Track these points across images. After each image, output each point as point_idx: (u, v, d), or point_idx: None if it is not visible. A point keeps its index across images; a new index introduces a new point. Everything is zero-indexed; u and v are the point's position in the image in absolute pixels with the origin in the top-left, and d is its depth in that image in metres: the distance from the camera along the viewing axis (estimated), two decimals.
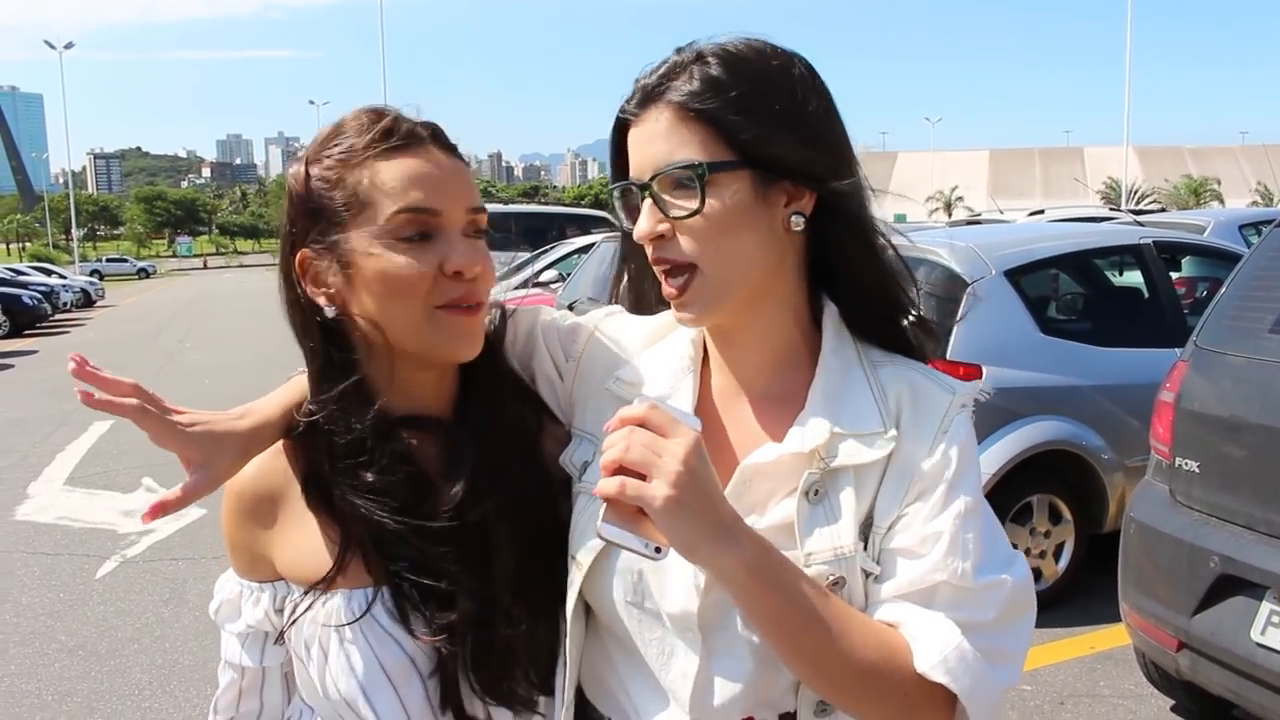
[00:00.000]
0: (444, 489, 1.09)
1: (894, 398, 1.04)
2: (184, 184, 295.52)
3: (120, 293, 45.23)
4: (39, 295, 25.52)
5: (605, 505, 0.92)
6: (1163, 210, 18.20)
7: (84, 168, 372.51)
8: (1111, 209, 17.53)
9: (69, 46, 64.30)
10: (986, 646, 0.96)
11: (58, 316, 27.94)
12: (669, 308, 1.10)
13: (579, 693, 1.14)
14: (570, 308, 1.35)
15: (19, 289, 25.28)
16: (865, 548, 1.00)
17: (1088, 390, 4.69)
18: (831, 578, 0.99)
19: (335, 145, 1.08)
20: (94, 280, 41.51)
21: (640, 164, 1.04)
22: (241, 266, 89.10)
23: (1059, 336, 4.89)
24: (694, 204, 1.00)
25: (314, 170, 1.08)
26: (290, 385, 1.17)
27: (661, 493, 0.89)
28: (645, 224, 1.03)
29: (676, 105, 1.01)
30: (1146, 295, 5.46)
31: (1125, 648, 3.93)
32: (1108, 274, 6.02)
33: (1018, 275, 4.80)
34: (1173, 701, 3.74)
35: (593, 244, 10.10)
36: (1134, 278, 5.70)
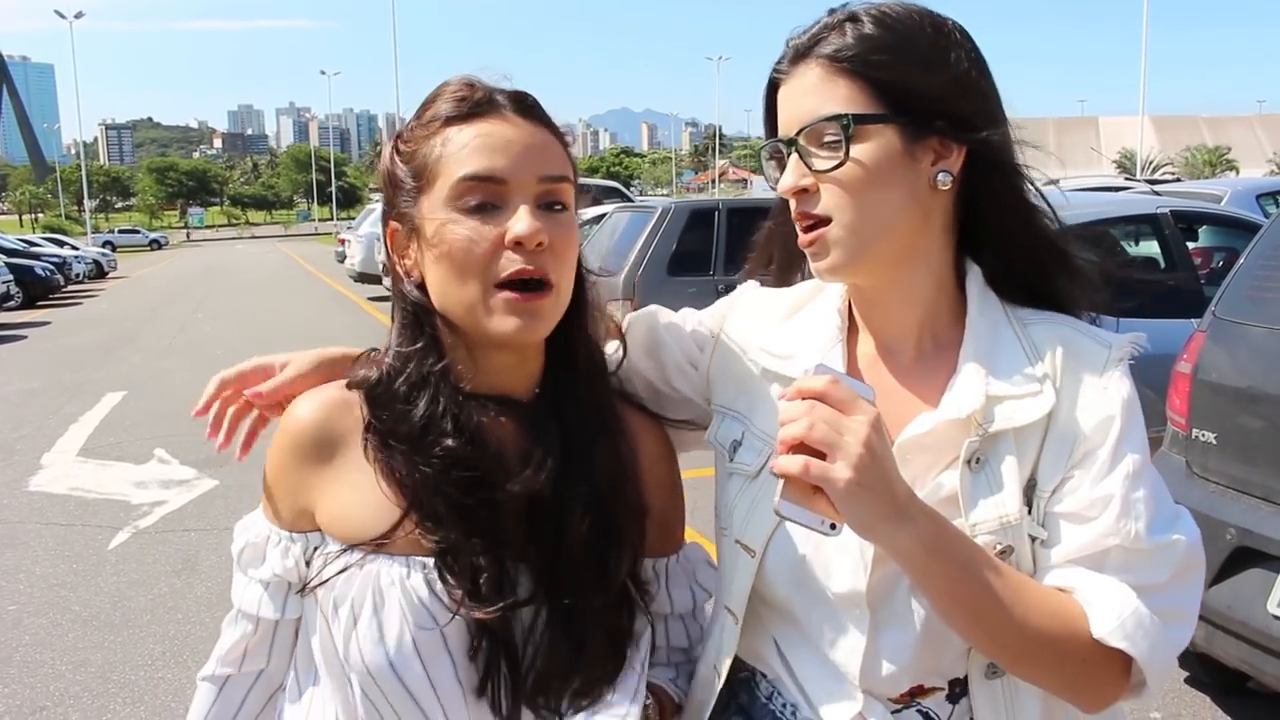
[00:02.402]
0: (516, 468, 1.05)
1: (1048, 356, 1.02)
2: (195, 155, 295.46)
3: (132, 264, 45.33)
4: (51, 266, 25.61)
5: (784, 482, 0.90)
6: (1178, 180, 18.02)
7: (95, 139, 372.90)
8: (1127, 179, 17.37)
9: (79, 16, 64.24)
10: (1162, 607, 0.96)
11: (70, 287, 28.03)
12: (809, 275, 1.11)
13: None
14: None
15: (32, 260, 25.35)
16: (1030, 512, 0.99)
17: None
18: (999, 547, 0.98)
19: (419, 119, 1.06)
20: (106, 251, 41.57)
21: (788, 120, 1.03)
22: (254, 238, 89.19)
23: None
24: (839, 157, 0.99)
25: (400, 144, 1.07)
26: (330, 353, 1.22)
27: (844, 475, 0.88)
28: (789, 177, 1.02)
29: (825, 59, 1.01)
30: (1163, 265, 5.41)
31: None
32: (1124, 243, 5.95)
33: None
34: (1187, 674, 3.72)
35: (604, 214, 10.05)
36: (1150, 247, 5.64)
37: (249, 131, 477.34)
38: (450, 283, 1.02)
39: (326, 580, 1.06)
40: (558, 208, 1.04)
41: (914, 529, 0.91)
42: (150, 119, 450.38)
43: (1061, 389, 1.00)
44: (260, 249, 59.37)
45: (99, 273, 34.93)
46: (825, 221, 1.01)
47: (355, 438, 1.08)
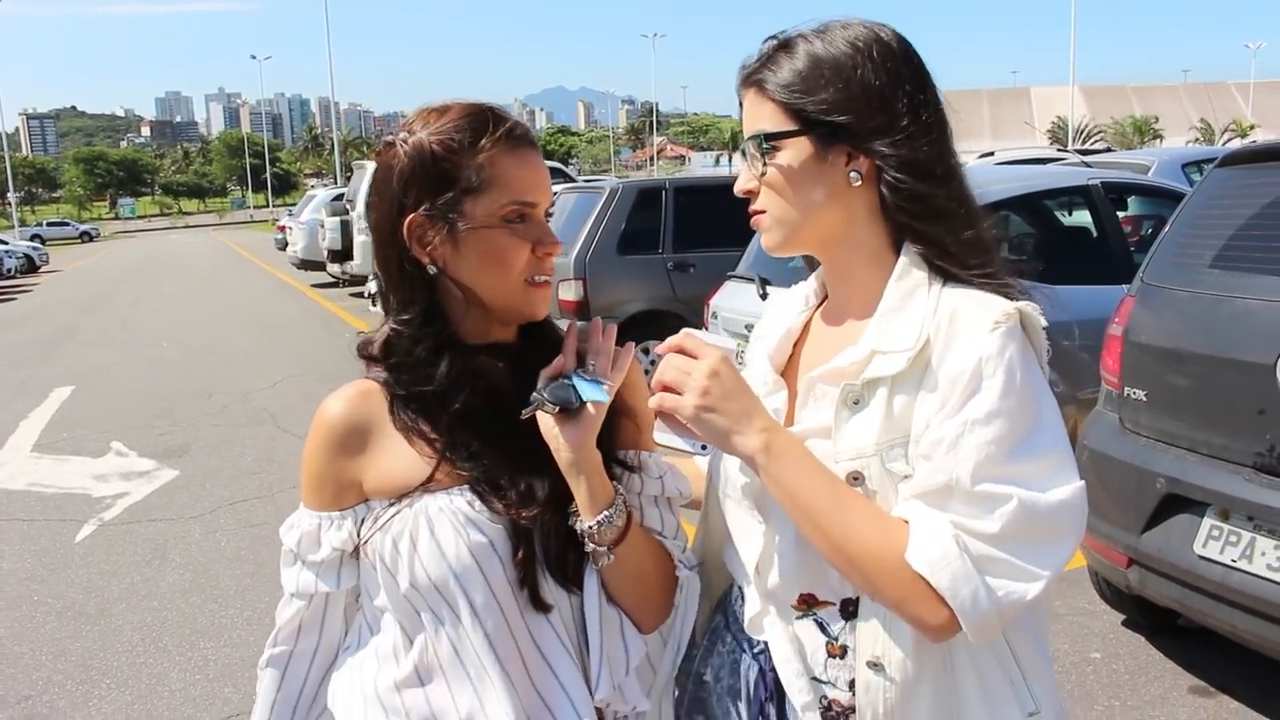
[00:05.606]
0: (515, 398, 1.24)
1: (940, 320, 1.14)
2: (123, 144, 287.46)
3: (64, 257, 44.27)
4: None
5: (659, 416, 1.20)
6: (1109, 150, 18.51)
7: (17, 129, 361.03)
8: (1060, 150, 17.82)
9: None
10: (985, 554, 1.07)
11: (2, 283, 27.38)
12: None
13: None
14: None
15: None
16: (906, 456, 1.14)
17: None
18: (852, 473, 1.15)
19: (455, 131, 1.23)
20: (37, 245, 40.57)
21: (745, 131, 1.25)
22: (188, 227, 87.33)
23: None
24: (762, 166, 1.21)
25: (437, 148, 1.23)
26: None
27: (689, 402, 1.15)
28: (740, 181, 1.25)
29: (756, 86, 1.22)
30: (1095, 234, 5.66)
31: (1079, 569, 4.16)
32: (1058, 214, 6.20)
33: None
34: (1123, 616, 3.99)
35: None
36: (1083, 217, 5.89)
37: (178, 118, 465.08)
38: (492, 275, 1.25)
39: (382, 525, 1.24)
40: (549, 217, 1.31)
41: (756, 439, 1.14)
42: (74, 107, 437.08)
43: (938, 346, 1.13)
44: (196, 238, 58.29)
45: (30, 267, 34.17)
46: (763, 211, 1.24)
47: (382, 415, 1.29)
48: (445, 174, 1.22)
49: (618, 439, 1.31)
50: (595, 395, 1.19)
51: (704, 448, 1.19)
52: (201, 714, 3.72)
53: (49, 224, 75.18)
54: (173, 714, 3.73)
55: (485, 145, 1.23)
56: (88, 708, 3.80)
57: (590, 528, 1.21)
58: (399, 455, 1.26)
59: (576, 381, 1.20)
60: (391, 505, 1.25)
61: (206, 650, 4.23)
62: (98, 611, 4.70)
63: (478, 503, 1.22)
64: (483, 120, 1.24)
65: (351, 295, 17.27)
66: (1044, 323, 1.16)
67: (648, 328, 8.33)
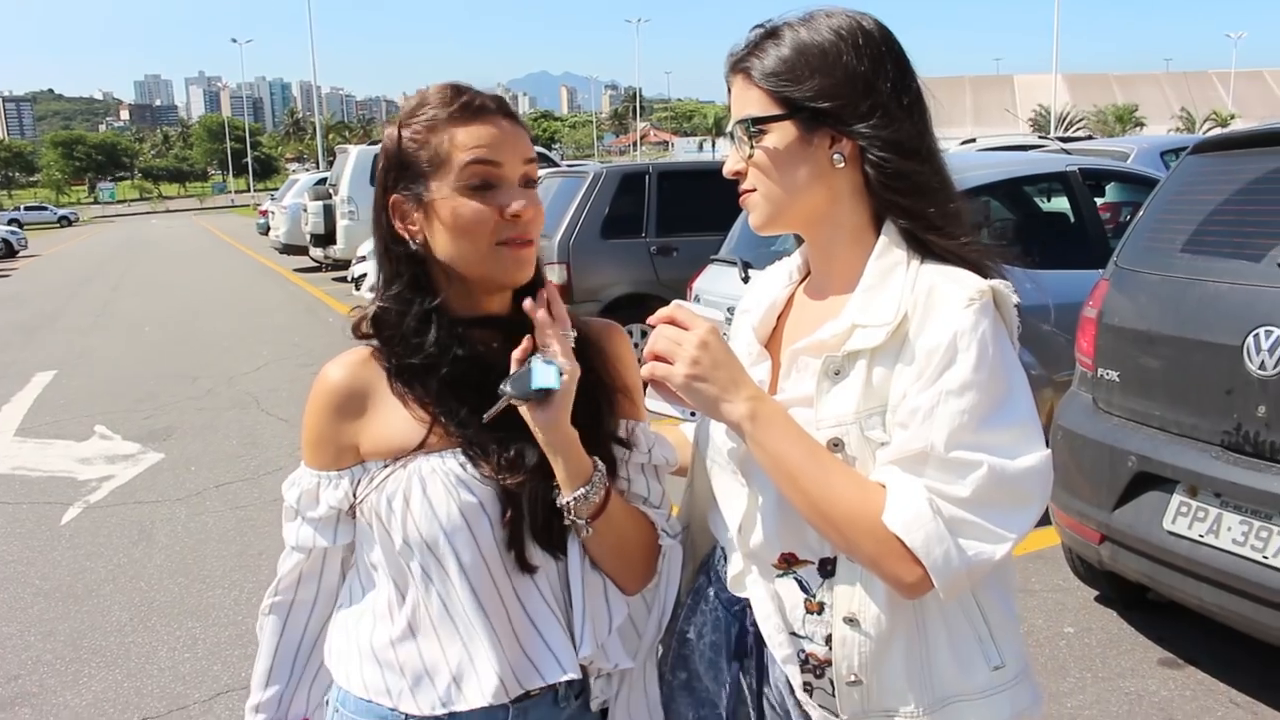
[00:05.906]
0: (505, 369, 1.29)
1: (918, 297, 1.20)
2: (101, 127, 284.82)
3: (43, 242, 43.91)
4: None
5: (650, 384, 1.25)
6: (1090, 137, 18.63)
7: None
8: (1041, 137, 17.94)
9: None
10: (956, 517, 1.13)
11: None
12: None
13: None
14: None
15: None
16: (884, 424, 1.19)
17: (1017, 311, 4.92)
18: (832, 439, 1.21)
19: (421, 114, 1.30)
20: (15, 229, 40.14)
21: (733, 115, 1.30)
22: (168, 212, 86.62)
23: None
24: (749, 149, 1.26)
25: (405, 133, 1.30)
26: None
27: (680, 371, 1.22)
28: (729, 163, 1.31)
29: (744, 73, 1.27)
30: (1072, 220, 5.73)
31: (1053, 548, 4.26)
32: (1036, 200, 6.28)
33: None
34: (1096, 592, 4.08)
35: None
36: (1061, 203, 5.97)
37: (158, 102, 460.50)
38: (462, 243, 1.29)
39: (377, 484, 1.30)
40: (532, 184, 1.34)
41: (743, 406, 1.20)
42: (51, 91, 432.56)
43: (915, 321, 1.18)
44: (176, 223, 57.88)
45: (9, 252, 33.91)
46: (752, 190, 1.29)
47: (380, 382, 1.35)
48: (410, 155, 1.30)
49: (614, 412, 1.37)
50: (546, 383, 1.23)
51: (693, 414, 1.26)
52: (191, 691, 3.76)
53: (27, 208, 74.17)
54: (162, 691, 3.77)
55: (443, 119, 1.29)
56: (78, 686, 3.84)
57: (568, 502, 1.27)
58: (395, 419, 1.32)
59: (533, 367, 1.24)
60: (386, 466, 1.31)
61: (194, 629, 4.27)
62: (85, 592, 4.73)
63: (469, 465, 1.29)
64: (444, 98, 1.31)
65: (334, 279, 17.22)
66: (1016, 300, 1.21)
67: (631, 311, 8.40)
